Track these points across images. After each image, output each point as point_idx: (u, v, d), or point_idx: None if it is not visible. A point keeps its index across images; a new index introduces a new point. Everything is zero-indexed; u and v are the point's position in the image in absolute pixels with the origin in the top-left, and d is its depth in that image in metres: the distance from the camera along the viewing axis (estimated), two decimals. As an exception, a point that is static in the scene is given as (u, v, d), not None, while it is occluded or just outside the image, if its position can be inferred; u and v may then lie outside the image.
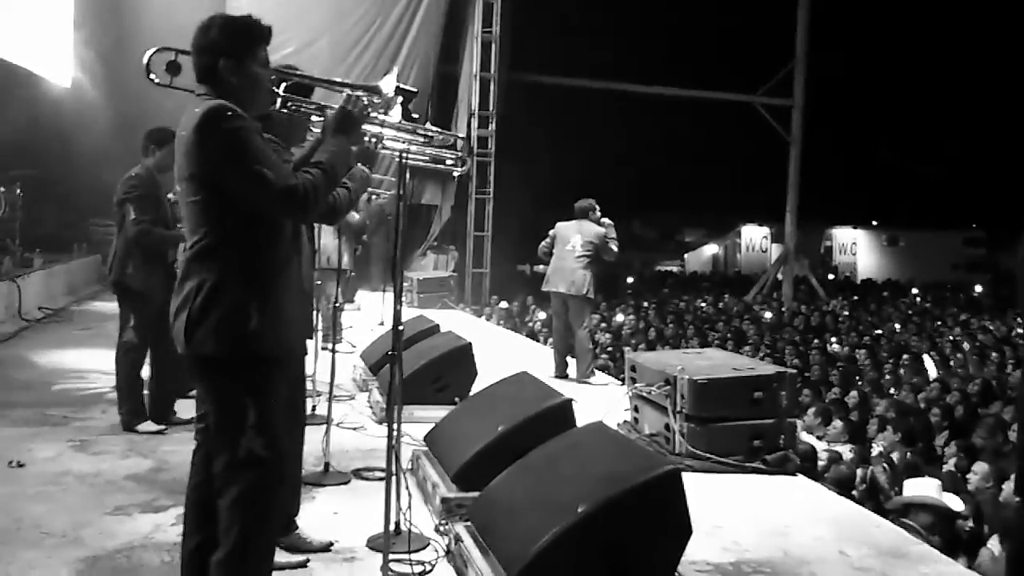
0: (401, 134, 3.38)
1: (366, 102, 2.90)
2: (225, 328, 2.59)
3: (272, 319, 2.64)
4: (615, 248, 8.14)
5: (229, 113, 2.57)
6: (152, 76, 2.84)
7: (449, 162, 3.87)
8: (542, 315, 15.07)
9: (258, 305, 2.61)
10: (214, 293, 2.60)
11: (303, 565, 3.49)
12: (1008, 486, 5.83)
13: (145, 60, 2.82)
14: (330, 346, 5.25)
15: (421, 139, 3.48)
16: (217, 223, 2.63)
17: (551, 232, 8.26)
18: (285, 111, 3.06)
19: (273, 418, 2.67)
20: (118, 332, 5.59)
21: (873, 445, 7.43)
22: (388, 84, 2.95)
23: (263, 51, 2.75)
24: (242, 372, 2.62)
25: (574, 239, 8.02)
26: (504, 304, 17.80)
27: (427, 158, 3.88)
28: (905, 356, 12.67)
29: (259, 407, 2.63)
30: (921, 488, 5.48)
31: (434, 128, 3.56)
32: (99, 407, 6.03)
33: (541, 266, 8.48)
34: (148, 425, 5.46)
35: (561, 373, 8.02)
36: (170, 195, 5.54)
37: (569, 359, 8.13)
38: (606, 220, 8.15)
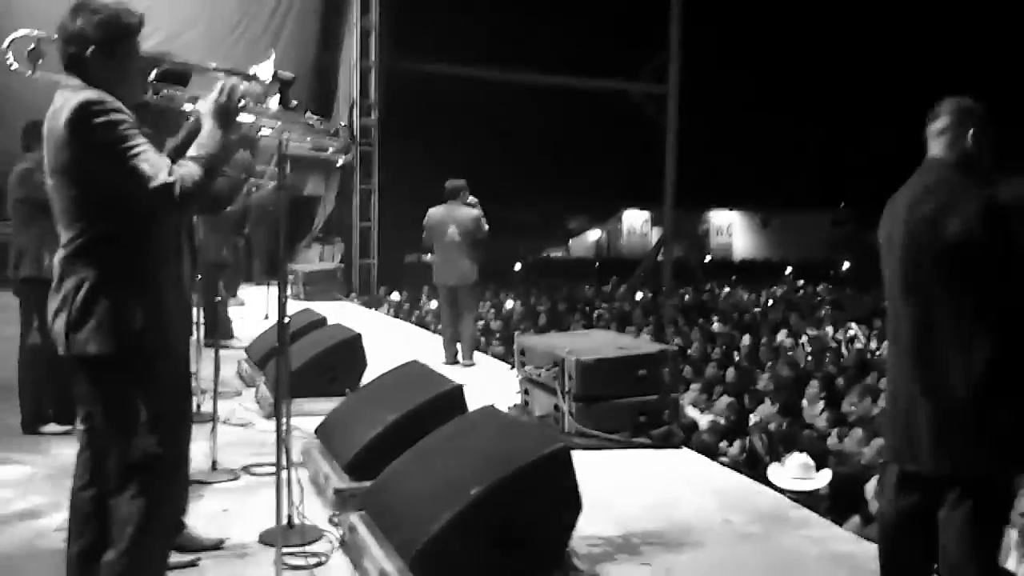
0: (280, 123, 3.30)
1: (242, 90, 2.79)
2: (109, 326, 2.51)
3: (155, 314, 2.58)
4: (487, 227, 8.17)
5: (103, 104, 2.47)
6: (13, 64, 2.70)
7: (331, 150, 3.81)
8: (434, 304, 15.06)
9: (141, 301, 2.55)
10: (94, 291, 2.52)
11: (193, 564, 3.42)
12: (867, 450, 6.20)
13: (4, 46, 2.68)
14: (213, 342, 5.13)
15: (301, 128, 3.40)
16: (94, 219, 2.54)
17: (424, 222, 8.22)
18: (157, 98, 2.95)
19: (165, 415, 2.62)
20: (20, 335, 5.33)
21: (751, 416, 7.76)
22: (265, 71, 2.87)
23: (135, 40, 2.65)
24: (130, 370, 2.56)
25: (451, 230, 8.01)
26: (396, 295, 17.69)
27: (308, 147, 3.80)
28: (781, 332, 13.26)
29: (150, 405, 2.57)
30: (794, 464, 5.68)
31: (315, 117, 3.49)
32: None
33: (430, 255, 8.43)
34: (52, 427, 5.27)
35: (451, 360, 8.06)
36: None
37: (459, 346, 8.16)
38: (472, 199, 8.17)
